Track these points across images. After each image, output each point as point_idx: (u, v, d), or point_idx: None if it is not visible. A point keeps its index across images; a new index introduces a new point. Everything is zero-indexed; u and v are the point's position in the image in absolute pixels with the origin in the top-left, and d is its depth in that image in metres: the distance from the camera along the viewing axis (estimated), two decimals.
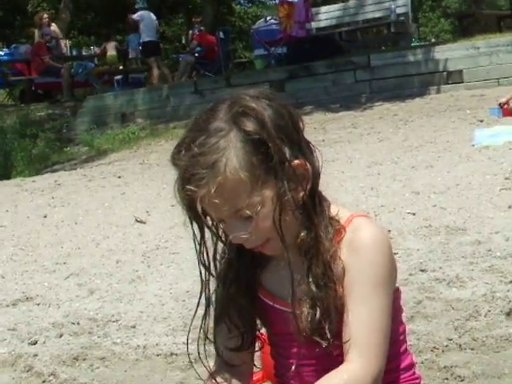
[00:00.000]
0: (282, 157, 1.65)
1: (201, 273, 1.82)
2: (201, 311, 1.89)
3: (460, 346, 3.61)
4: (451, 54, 13.43)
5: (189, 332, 1.90)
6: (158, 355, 3.97)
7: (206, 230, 1.77)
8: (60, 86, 17.91)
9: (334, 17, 18.32)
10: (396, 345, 1.82)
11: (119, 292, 5.01)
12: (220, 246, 1.82)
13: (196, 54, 18.67)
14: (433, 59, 13.64)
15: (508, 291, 4.14)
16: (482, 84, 12.63)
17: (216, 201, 1.63)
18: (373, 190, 6.73)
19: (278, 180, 1.66)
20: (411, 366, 1.94)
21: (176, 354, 3.91)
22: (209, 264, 1.81)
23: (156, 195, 7.79)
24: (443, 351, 3.59)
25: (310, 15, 17.20)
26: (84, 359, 3.99)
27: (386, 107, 12.32)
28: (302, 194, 1.70)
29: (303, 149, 1.73)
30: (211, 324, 1.89)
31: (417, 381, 1.93)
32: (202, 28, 19.67)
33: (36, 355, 4.08)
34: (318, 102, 13.57)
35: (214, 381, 1.86)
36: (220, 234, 1.80)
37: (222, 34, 19.00)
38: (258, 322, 1.92)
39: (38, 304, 4.94)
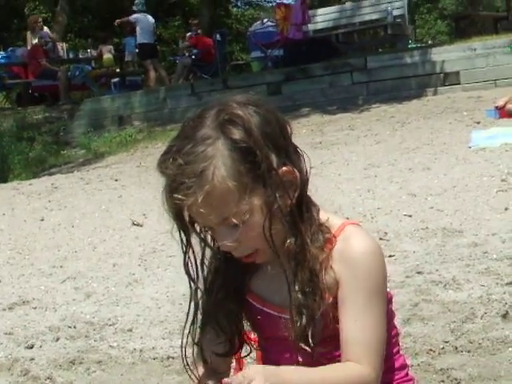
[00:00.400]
0: (269, 165, 1.64)
1: (189, 280, 1.81)
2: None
3: (456, 348, 3.62)
4: (448, 55, 13.43)
5: (182, 336, 1.90)
6: (154, 359, 3.97)
7: (194, 238, 1.76)
8: (57, 88, 17.89)
9: (330, 19, 18.33)
10: (388, 346, 1.82)
11: (116, 295, 5.01)
12: (208, 252, 1.81)
13: (193, 57, 18.66)
14: (430, 61, 13.63)
15: (504, 293, 4.15)
16: (479, 85, 12.63)
17: (203, 210, 1.63)
18: (369, 192, 6.74)
19: (267, 188, 1.65)
20: (404, 366, 1.94)
21: (173, 358, 3.92)
22: (196, 272, 1.80)
23: (153, 198, 7.74)
24: (439, 354, 3.59)
25: (307, 17, 17.18)
26: (80, 363, 4.00)
27: (383, 109, 12.33)
28: (289, 201, 1.69)
29: (291, 155, 1.72)
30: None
31: (410, 382, 1.93)
32: (199, 31, 19.66)
33: (33, 359, 4.08)
34: (314, 104, 13.56)
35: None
36: (209, 240, 1.79)
37: (218, 37, 18.96)
38: (248, 327, 1.91)
39: (35, 308, 4.93)
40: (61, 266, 5.82)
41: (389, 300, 1.85)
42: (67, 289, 5.27)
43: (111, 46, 20.85)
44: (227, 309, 1.83)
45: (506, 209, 5.66)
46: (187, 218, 1.70)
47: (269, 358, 1.92)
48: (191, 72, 18.77)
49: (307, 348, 1.73)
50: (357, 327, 1.71)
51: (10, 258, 6.22)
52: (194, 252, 1.78)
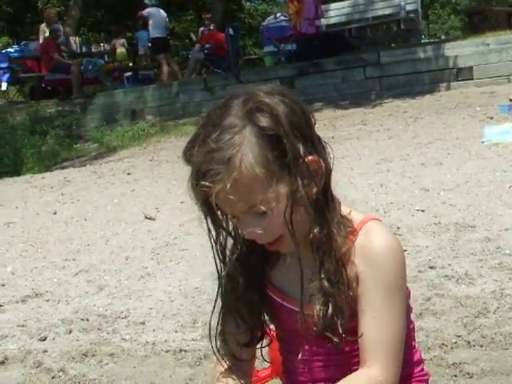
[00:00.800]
0: (296, 153, 1.64)
1: (217, 268, 1.81)
2: (210, 307, 1.89)
3: (469, 342, 3.61)
4: (461, 50, 13.39)
5: (209, 328, 1.88)
6: (166, 351, 3.98)
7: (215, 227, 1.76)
8: (70, 82, 17.91)
9: (343, 14, 18.32)
10: (407, 339, 1.82)
11: (128, 288, 5.02)
12: (230, 241, 1.81)
13: (206, 51, 18.66)
14: (443, 56, 13.59)
15: None
16: (492, 81, 12.59)
17: (231, 196, 1.62)
18: (382, 187, 6.73)
19: (292, 176, 1.64)
20: (420, 362, 1.94)
21: (185, 351, 3.92)
22: (224, 259, 1.81)
23: (165, 192, 7.80)
24: (452, 348, 3.59)
25: (320, 12, 17.15)
26: (93, 355, 4.01)
27: (395, 104, 12.30)
28: (315, 190, 1.69)
29: (316, 145, 1.71)
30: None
31: (425, 377, 1.94)
32: (211, 27, 19.65)
33: (45, 351, 4.10)
34: (327, 98, 13.55)
35: (224, 377, 1.86)
36: (231, 229, 1.79)
37: (231, 31, 18.94)
38: (267, 318, 1.91)
39: (48, 300, 4.95)
40: (73, 259, 5.84)
41: (407, 295, 1.85)
42: (80, 282, 5.29)
43: (124, 40, 20.84)
44: (249, 299, 1.83)
45: None
46: (214, 205, 1.67)
47: (287, 349, 1.93)
48: (204, 66, 18.77)
49: (334, 338, 1.73)
50: (375, 324, 1.71)
51: (23, 250, 6.24)
52: (225, 240, 1.78)
